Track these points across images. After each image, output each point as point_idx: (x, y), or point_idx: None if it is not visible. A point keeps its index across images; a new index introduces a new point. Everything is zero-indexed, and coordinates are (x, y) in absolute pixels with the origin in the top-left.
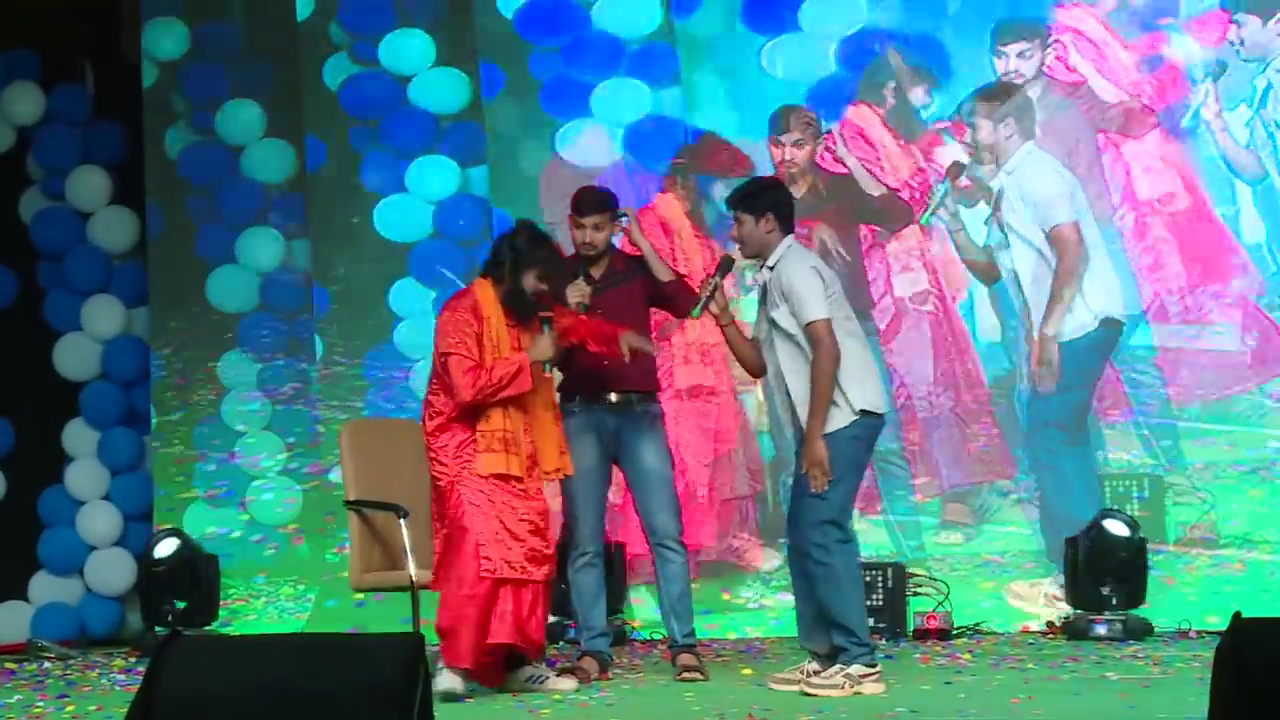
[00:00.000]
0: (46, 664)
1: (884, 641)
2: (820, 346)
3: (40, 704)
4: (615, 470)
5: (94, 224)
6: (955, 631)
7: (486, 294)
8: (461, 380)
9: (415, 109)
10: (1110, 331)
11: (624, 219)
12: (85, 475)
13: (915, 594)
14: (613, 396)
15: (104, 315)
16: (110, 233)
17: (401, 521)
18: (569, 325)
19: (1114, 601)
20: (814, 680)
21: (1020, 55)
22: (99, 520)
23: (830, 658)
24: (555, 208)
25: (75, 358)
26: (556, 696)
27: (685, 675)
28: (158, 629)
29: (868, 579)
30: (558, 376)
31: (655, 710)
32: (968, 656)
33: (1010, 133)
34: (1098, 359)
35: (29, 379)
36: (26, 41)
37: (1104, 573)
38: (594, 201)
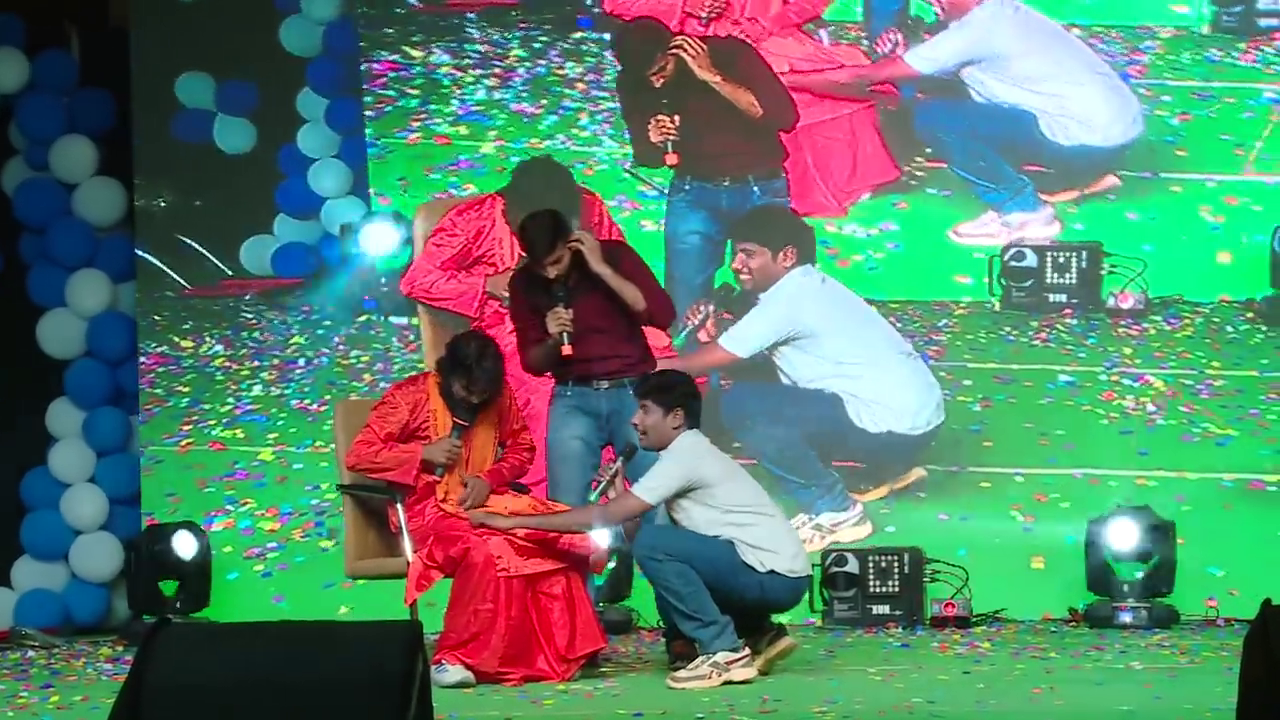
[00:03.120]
0: (30, 653)
1: (900, 629)
2: (620, 510)
3: (24, 694)
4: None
5: (80, 196)
6: (974, 619)
7: (435, 387)
8: (353, 445)
9: None
10: None
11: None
12: (70, 457)
13: (933, 580)
14: (605, 382)
15: (90, 290)
16: (97, 205)
17: (398, 505)
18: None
19: (1139, 588)
20: (679, 674)
21: None
22: (84, 503)
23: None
24: None
25: (60, 335)
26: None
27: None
28: (145, 616)
29: (883, 564)
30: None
31: (662, 701)
32: (987, 645)
33: None
34: None
35: (11, 357)
36: (10, 6)
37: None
38: (545, 242)
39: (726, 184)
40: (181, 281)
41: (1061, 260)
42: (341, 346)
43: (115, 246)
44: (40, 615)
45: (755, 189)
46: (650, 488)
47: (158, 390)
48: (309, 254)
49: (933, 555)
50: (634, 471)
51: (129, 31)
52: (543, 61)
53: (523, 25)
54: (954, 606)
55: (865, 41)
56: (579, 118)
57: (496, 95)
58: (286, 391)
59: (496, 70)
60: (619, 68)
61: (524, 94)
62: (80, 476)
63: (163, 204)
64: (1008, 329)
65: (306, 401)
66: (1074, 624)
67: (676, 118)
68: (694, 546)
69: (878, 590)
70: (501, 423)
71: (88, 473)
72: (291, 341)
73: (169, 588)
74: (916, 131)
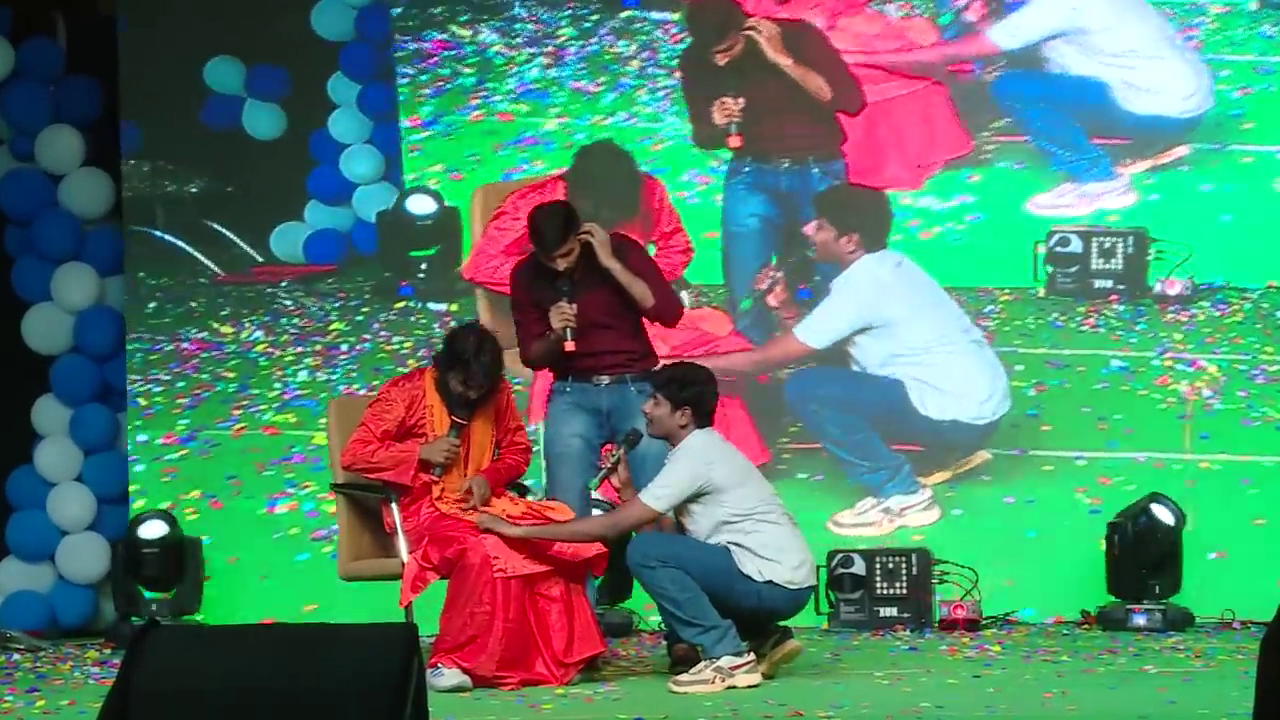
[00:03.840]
0: (15, 656)
1: (908, 632)
2: (627, 519)
3: (9, 698)
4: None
5: (66, 187)
6: (984, 622)
7: (432, 383)
8: (348, 445)
9: None
10: None
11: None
12: (56, 455)
13: (941, 582)
14: (606, 378)
15: (76, 284)
16: (83, 196)
17: (393, 505)
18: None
19: (1155, 590)
20: (681, 678)
21: None
22: (71, 503)
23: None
24: None
25: (45, 330)
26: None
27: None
28: (133, 619)
29: (890, 566)
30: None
31: (664, 705)
32: (997, 648)
33: None
34: None
35: None
36: None
37: (1145, 560)
38: (555, 234)
39: (786, 166)
40: (215, 268)
41: (1107, 246)
42: (384, 333)
43: (102, 239)
44: (26, 617)
45: (815, 170)
46: (658, 495)
47: (171, 376)
48: (341, 240)
49: (1002, 539)
50: (639, 469)
51: (116, 19)
52: (593, 40)
53: (571, 4)
54: (963, 609)
55: (946, 13)
56: (638, 94)
57: (552, 73)
58: (334, 377)
59: (549, 48)
60: (686, 43)
61: (581, 72)
62: (67, 475)
63: (193, 190)
64: (1055, 314)
65: (354, 387)
66: (1086, 626)
67: (741, 99)
68: (688, 553)
69: (885, 592)
70: (499, 420)
71: (74, 471)
72: (331, 328)
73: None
74: (995, 101)
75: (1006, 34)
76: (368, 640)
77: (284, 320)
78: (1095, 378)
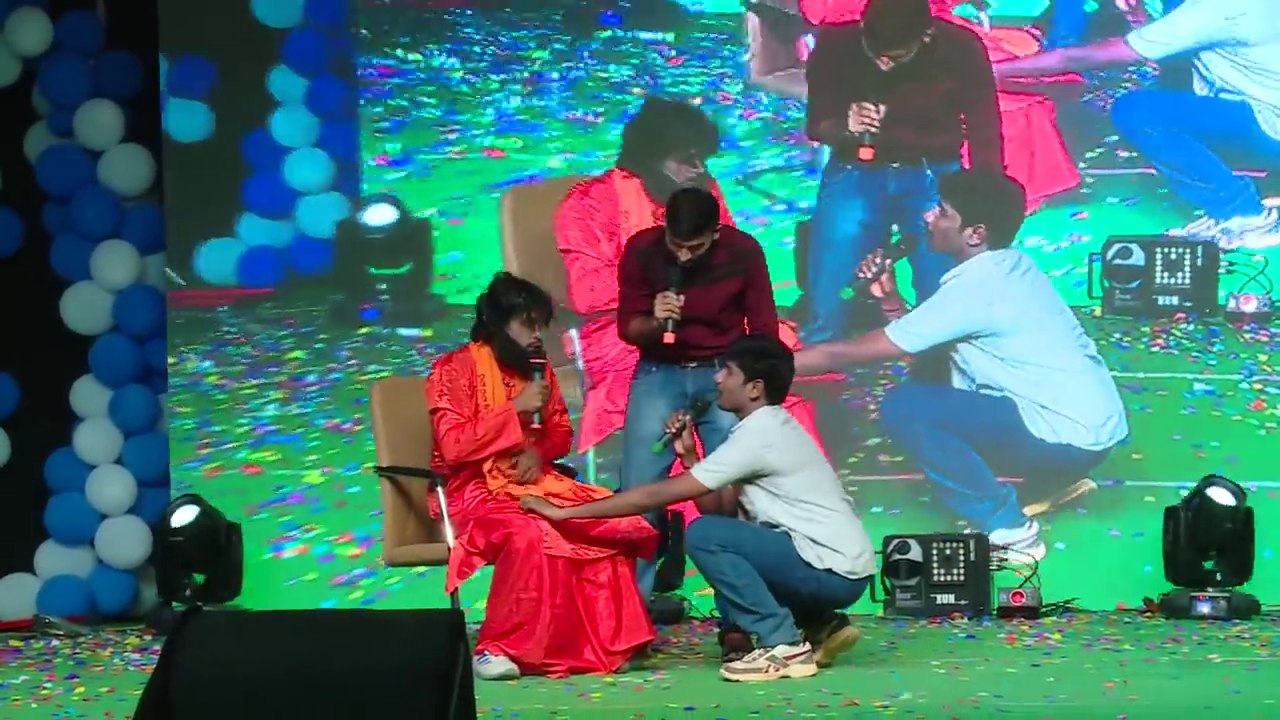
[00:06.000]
0: (54, 642)
1: (966, 620)
2: (673, 491)
3: (48, 685)
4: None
5: (105, 163)
6: (1044, 609)
7: (480, 353)
8: (445, 438)
9: None
10: None
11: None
12: (96, 437)
13: (1000, 568)
14: (693, 363)
15: (116, 263)
16: (123, 173)
17: (439, 489)
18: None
19: (1218, 577)
20: (734, 665)
21: None
22: (111, 486)
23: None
24: None
25: (85, 309)
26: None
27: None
28: (175, 604)
29: (948, 552)
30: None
31: (715, 694)
32: (1057, 636)
33: None
34: None
35: (34, 332)
36: None
37: (1207, 545)
38: (690, 225)
39: (895, 167)
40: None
41: (1174, 258)
42: (353, 361)
43: (142, 216)
44: (65, 603)
45: (929, 172)
46: (710, 470)
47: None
48: (279, 259)
49: (1111, 574)
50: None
51: None
52: (575, 64)
53: (527, 24)
54: (1022, 596)
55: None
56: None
57: (536, 102)
58: (307, 410)
59: (524, 75)
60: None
61: (570, 100)
62: (106, 458)
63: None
64: (1117, 334)
65: (336, 420)
66: (1149, 614)
67: (883, 107)
68: (747, 537)
69: (942, 579)
70: (549, 397)
71: (114, 454)
72: (289, 356)
73: (199, 575)
74: (1114, 124)
75: (1149, 41)
76: (413, 626)
77: (230, 349)
78: (1179, 402)
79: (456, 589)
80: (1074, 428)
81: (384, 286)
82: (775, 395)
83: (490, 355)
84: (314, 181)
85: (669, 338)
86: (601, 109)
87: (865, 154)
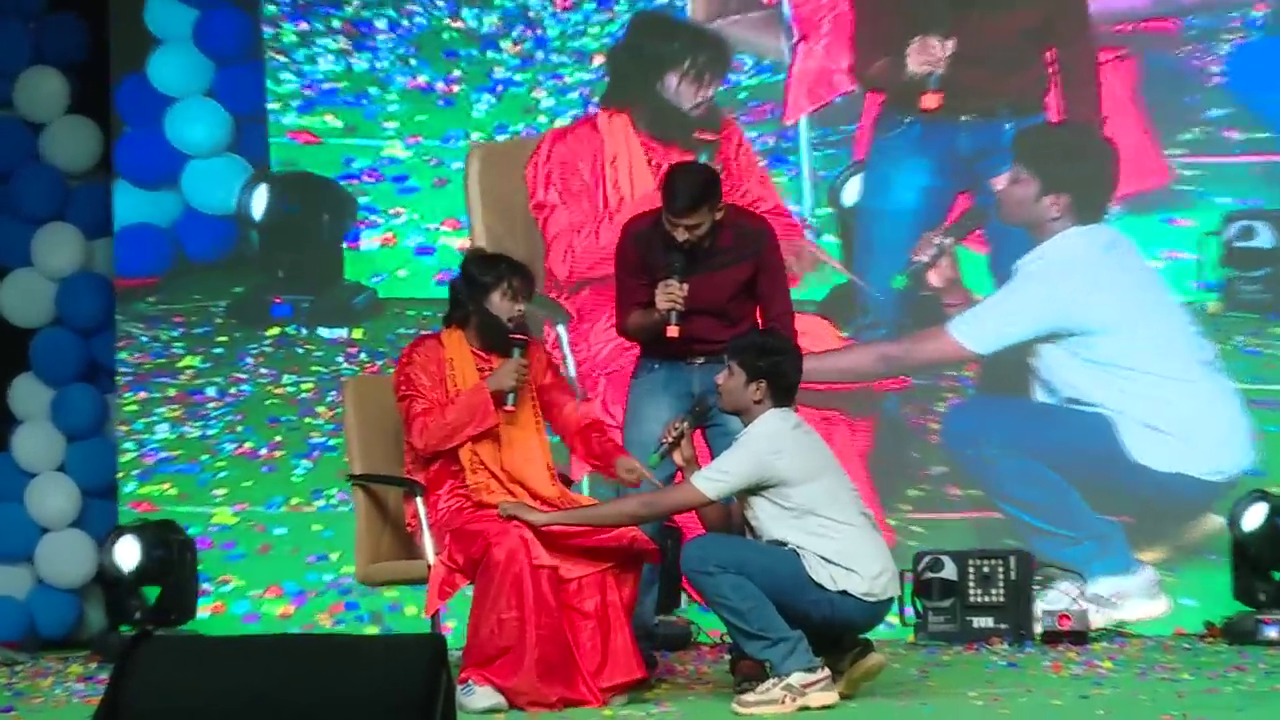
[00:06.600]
0: None
1: (1006, 646)
2: (670, 501)
3: None
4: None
5: (48, 137)
6: (1093, 634)
7: (451, 338)
8: (413, 423)
9: None
10: None
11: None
12: (36, 441)
13: (1043, 588)
14: (700, 359)
15: (59, 248)
16: (68, 148)
17: (417, 499)
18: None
19: None
20: (746, 698)
21: None
22: (52, 496)
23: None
24: None
25: (24, 299)
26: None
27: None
28: (123, 628)
29: (985, 570)
30: None
31: None
32: (1108, 664)
33: None
34: None
35: None
36: None
37: (1275, 564)
38: (686, 200)
39: (966, 120)
40: None
41: None
42: (264, 370)
43: (89, 196)
44: (2, 627)
45: (1008, 126)
46: (712, 479)
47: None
48: (163, 241)
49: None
50: (720, 444)
51: None
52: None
53: None
54: (1069, 619)
55: None
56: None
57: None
58: (210, 432)
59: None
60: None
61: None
62: (48, 464)
63: None
64: (1241, 336)
65: (249, 445)
66: (1210, 640)
67: (951, 42)
68: (750, 556)
69: (979, 600)
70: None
71: (56, 460)
72: (182, 365)
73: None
74: (1228, 85)
75: None
76: (389, 653)
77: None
78: None
79: (438, 611)
80: (1187, 452)
81: (279, 274)
82: (781, 396)
83: (462, 340)
84: (206, 141)
85: (672, 331)
86: (538, 75)
87: (929, 101)
